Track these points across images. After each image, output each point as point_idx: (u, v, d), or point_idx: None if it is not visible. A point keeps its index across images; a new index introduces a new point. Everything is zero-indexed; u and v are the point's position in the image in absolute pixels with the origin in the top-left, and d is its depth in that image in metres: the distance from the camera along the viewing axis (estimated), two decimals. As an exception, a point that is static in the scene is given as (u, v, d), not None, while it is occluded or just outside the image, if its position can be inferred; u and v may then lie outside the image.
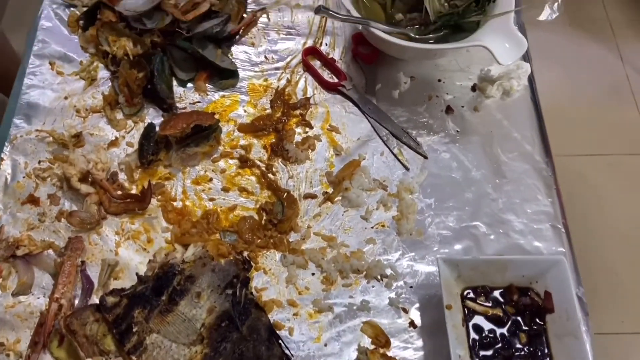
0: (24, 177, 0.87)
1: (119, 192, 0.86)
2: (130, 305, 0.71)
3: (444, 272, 0.73)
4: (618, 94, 2.37)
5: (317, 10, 0.87)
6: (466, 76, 0.98)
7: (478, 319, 0.73)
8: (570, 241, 0.83)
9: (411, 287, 0.80)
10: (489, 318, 0.73)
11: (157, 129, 0.90)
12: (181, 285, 0.73)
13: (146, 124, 0.92)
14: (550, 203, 0.86)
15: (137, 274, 0.77)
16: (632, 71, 2.42)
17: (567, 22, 2.44)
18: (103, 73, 0.98)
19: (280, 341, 0.74)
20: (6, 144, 0.90)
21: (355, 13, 0.87)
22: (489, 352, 0.71)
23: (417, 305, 0.79)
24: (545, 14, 1.35)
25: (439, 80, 0.98)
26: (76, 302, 0.78)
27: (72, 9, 1.04)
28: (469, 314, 0.73)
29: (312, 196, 0.87)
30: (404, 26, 0.92)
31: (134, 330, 0.69)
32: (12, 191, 0.86)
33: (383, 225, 0.85)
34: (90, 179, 0.86)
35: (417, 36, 0.91)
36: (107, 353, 0.69)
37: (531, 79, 0.96)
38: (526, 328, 0.72)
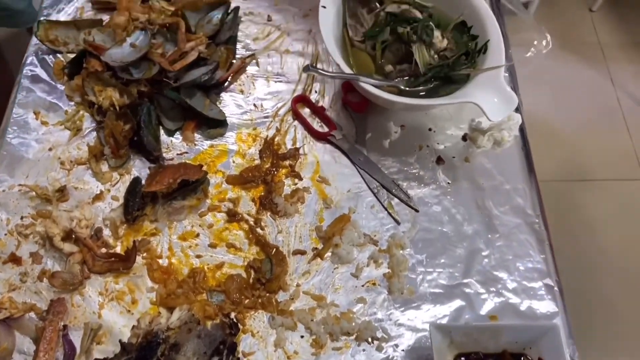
0: (5, 235, 0.85)
1: (104, 250, 0.84)
2: (112, 378, 0.69)
3: (435, 339, 0.71)
4: (610, 118, 2.38)
5: (306, 69, 0.86)
6: (457, 125, 0.97)
7: (471, 388, 0.71)
8: (564, 300, 0.82)
9: (403, 350, 0.78)
10: (481, 386, 0.71)
11: (143, 182, 0.88)
12: (165, 356, 0.71)
13: (132, 177, 0.90)
14: (542, 260, 0.85)
15: (120, 341, 0.75)
16: (623, 95, 2.44)
17: (558, 46, 2.46)
18: (89, 123, 0.96)
19: (267, 412, 0.72)
20: (-13, 199, 0.88)
21: (344, 67, 0.86)
22: None
23: (409, 369, 0.77)
24: (535, 51, 1.34)
25: (430, 129, 0.97)
26: (57, 369, 0.75)
27: (57, 55, 1.02)
28: (461, 382, 0.71)
29: (302, 252, 0.86)
30: (393, 77, 0.92)
31: (116, 405, 0.67)
32: (-7, 249, 0.84)
33: (374, 283, 0.83)
34: (73, 236, 0.84)
35: (407, 88, 0.90)
36: None
37: (522, 130, 0.96)
38: (520, 397, 0.70)
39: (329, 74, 0.86)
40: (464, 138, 0.96)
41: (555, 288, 0.83)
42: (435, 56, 0.90)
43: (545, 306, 0.81)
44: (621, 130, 2.36)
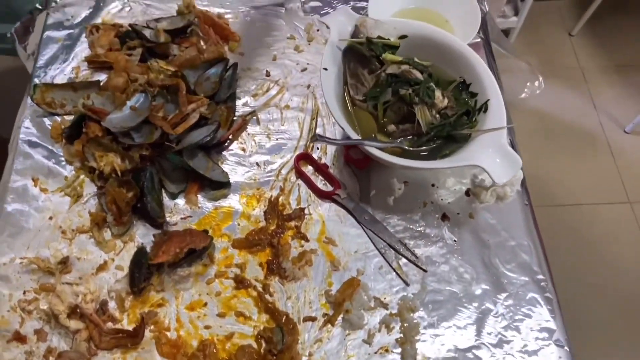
0: (8, 311, 0.83)
1: (110, 325, 0.82)
2: None
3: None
4: (593, 142, 2.43)
5: (314, 139, 0.86)
6: (459, 180, 0.98)
7: None
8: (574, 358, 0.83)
9: (418, 420, 0.77)
10: None
11: (148, 251, 0.87)
12: None
13: (136, 246, 0.89)
14: (552, 318, 0.85)
15: None
16: (605, 119, 2.48)
17: (540, 71, 2.51)
18: (89, 188, 0.95)
19: None
20: (-12, 273, 0.86)
21: (350, 131, 0.86)
22: None
23: None
24: (528, 92, 1.36)
25: (433, 185, 0.98)
26: None
27: (55, 117, 1.01)
28: None
29: (312, 319, 0.85)
30: (396, 137, 0.92)
31: None
32: (-4, 328, 0.82)
33: (387, 350, 0.83)
34: (79, 311, 0.82)
35: (410, 148, 0.91)
36: None
37: (524, 184, 0.97)
38: None
39: (337, 142, 0.87)
40: (467, 193, 0.97)
41: (566, 347, 0.83)
42: (437, 115, 0.91)
43: (558, 367, 0.82)
44: (605, 154, 2.40)
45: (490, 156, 0.83)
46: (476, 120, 0.91)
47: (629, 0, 2.79)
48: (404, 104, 0.92)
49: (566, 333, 0.84)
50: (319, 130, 1.03)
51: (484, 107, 0.91)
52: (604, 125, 2.48)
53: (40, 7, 1.18)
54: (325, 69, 0.92)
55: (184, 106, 0.96)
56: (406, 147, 0.91)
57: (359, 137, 0.87)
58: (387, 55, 0.92)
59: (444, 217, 0.94)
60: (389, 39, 0.94)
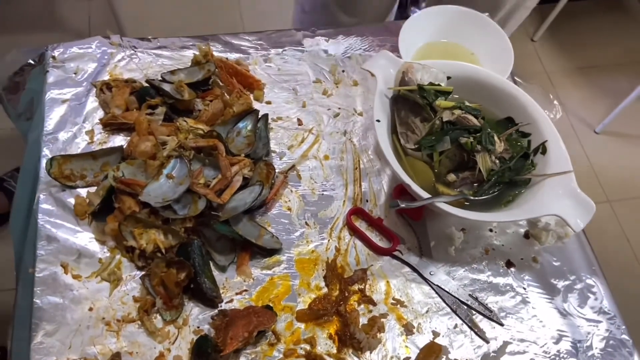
0: None
1: None
2: None
3: None
4: (567, 144, 2.50)
5: (393, 205, 0.81)
6: (515, 223, 0.96)
7: None
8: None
9: None
10: None
11: (209, 337, 0.79)
12: None
13: (193, 329, 0.81)
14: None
15: None
16: (575, 120, 2.57)
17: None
18: (128, 270, 0.85)
19: None
20: (28, 383, 0.75)
21: (418, 189, 0.82)
22: None
23: None
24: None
25: (490, 230, 0.95)
26: None
27: (76, 192, 0.91)
28: None
29: (397, 391, 0.80)
30: (456, 187, 0.88)
31: None
32: None
33: (479, 417, 0.79)
34: (142, 417, 0.73)
35: (474, 197, 0.88)
36: None
37: (581, 221, 0.95)
38: None
39: (416, 204, 0.82)
40: (526, 236, 0.94)
41: (654, 391, 0.82)
42: (496, 161, 0.88)
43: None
44: (580, 156, 2.48)
45: (563, 202, 0.81)
46: (534, 163, 0.89)
47: (584, 8, 2.90)
48: (461, 151, 0.88)
49: (650, 375, 0.83)
50: (364, 185, 0.97)
51: (542, 149, 0.89)
52: (575, 128, 2.55)
53: (33, 62, 1.07)
54: (379, 121, 0.87)
55: (227, 170, 0.88)
56: (470, 197, 0.87)
57: (428, 195, 0.82)
58: (442, 102, 0.89)
59: (509, 263, 0.92)
60: (439, 84, 0.91)
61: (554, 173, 0.85)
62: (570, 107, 2.59)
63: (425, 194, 0.82)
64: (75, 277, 0.84)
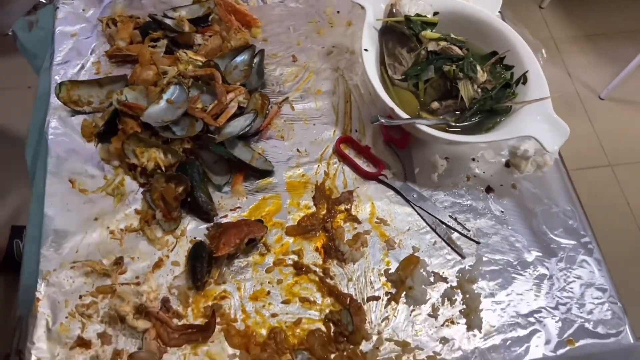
0: (66, 318, 0.80)
1: (175, 321, 0.81)
2: None
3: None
4: (570, 109, 2.52)
5: (374, 120, 0.86)
6: (497, 152, 1.00)
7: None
8: (627, 314, 0.87)
9: (495, 386, 0.80)
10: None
11: (206, 246, 0.86)
12: None
13: (190, 239, 0.88)
14: (604, 280, 0.89)
15: (220, 418, 0.73)
16: (580, 85, 2.58)
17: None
18: (131, 186, 0.92)
19: None
20: (39, 281, 0.82)
21: (399, 112, 0.87)
22: None
23: (504, 404, 0.79)
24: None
25: (473, 159, 1.00)
26: None
27: (84, 117, 0.97)
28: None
29: (376, 298, 0.86)
30: (440, 114, 0.93)
31: None
32: (57, 336, 0.79)
33: (452, 322, 0.85)
34: (142, 312, 0.80)
35: (455, 123, 0.92)
36: None
37: (559, 153, 1.00)
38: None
39: (396, 122, 0.87)
40: (507, 165, 0.99)
41: (619, 304, 0.87)
42: (478, 90, 0.93)
43: (614, 323, 0.85)
44: (583, 120, 2.49)
45: (539, 125, 0.86)
46: (515, 93, 0.93)
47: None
48: (445, 80, 0.93)
49: (617, 292, 0.88)
50: (354, 117, 1.03)
51: (523, 79, 0.93)
52: (580, 93, 2.57)
53: (45, 1, 1.13)
54: (366, 50, 0.92)
55: (222, 96, 0.94)
56: (452, 123, 0.92)
57: (409, 117, 0.87)
58: (427, 33, 0.93)
59: (489, 189, 0.97)
60: (426, 17, 0.95)
61: (532, 100, 0.89)
62: (576, 73, 2.60)
63: (405, 116, 0.87)
64: (82, 191, 0.91)
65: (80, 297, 0.82)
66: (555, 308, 0.86)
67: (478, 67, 0.92)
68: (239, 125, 0.95)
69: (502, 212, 0.95)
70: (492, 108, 0.93)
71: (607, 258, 0.91)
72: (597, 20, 2.78)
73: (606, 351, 0.78)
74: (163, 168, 0.90)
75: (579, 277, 0.89)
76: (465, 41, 0.96)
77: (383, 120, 0.85)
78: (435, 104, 0.93)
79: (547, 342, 0.83)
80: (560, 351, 0.82)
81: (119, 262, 0.84)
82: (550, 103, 0.88)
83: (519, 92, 0.93)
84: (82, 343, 0.79)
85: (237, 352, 0.80)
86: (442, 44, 0.93)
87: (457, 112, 0.94)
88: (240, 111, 0.98)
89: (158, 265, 0.86)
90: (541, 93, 0.90)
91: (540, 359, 0.79)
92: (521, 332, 0.84)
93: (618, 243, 2.10)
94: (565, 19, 2.82)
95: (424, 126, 0.86)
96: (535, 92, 0.91)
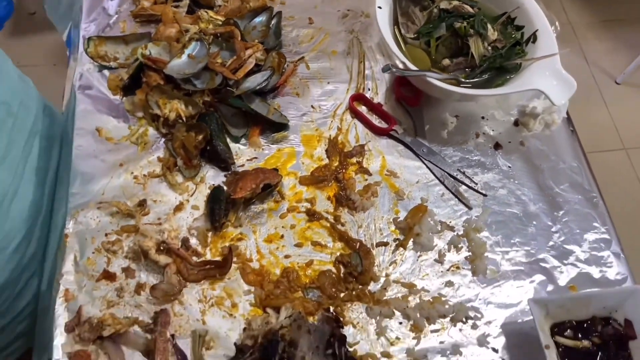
0: (93, 253, 0.86)
1: (195, 259, 0.86)
2: (241, 380, 0.71)
3: (535, 312, 0.77)
4: (587, 94, 2.52)
5: (385, 68, 0.90)
6: (506, 112, 1.03)
7: (570, 352, 0.77)
8: (630, 265, 0.89)
9: (496, 325, 0.83)
10: (580, 351, 0.77)
11: (225, 190, 0.90)
12: (287, 352, 0.74)
13: (209, 186, 0.92)
14: (606, 230, 0.92)
15: (235, 344, 0.77)
16: (597, 71, 2.58)
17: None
18: (154, 136, 0.97)
19: (387, 395, 0.76)
20: (67, 219, 0.88)
21: (410, 65, 0.90)
22: (587, 384, 0.75)
23: (505, 342, 0.82)
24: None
25: (482, 118, 1.03)
26: (173, 378, 0.77)
27: (109, 71, 1.02)
28: (561, 349, 0.77)
29: (384, 244, 0.90)
30: (451, 71, 0.96)
31: (251, 404, 0.69)
32: (84, 269, 0.84)
33: (457, 267, 0.88)
34: (163, 248, 0.85)
35: (465, 80, 0.95)
36: None
37: (567, 112, 1.02)
38: (614, 355, 0.77)
39: (407, 72, 0.90)
40: (516, 123, 1.02)
41: (622, 255, 0.90)
42: (489, 48, 0.95)
43: (615, 271, 0.88)
44: (599, 104, 2.50)
45: (547, 80, 0.88)
46: (525, 51, 0.96)
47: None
48: (456, 38, 0.96)
49: (620, 243, 0.91)
50: (368, 77, 1.06)
51: (533, 38, 0.95)
52: (597, 78, 2.57)
53: (73, -34, 1.18)
54: (380, 7, 0.95)
55: (241, 51, 0.98)
56: (462, 79, 0.95)
57: (420, 69, 0.91)
58: (440, -9, 0.96)
59: (497, 145, 1.00)
60: (439, -25, 0.98)
61: (541, 57, 0.91)
62: (592, 58, 2.60)
63: (416, 69, 0.90)
64: (108, 139, 0.96)
65: (106, 234, 0.87)
66: (559, 257, 0.89)
67: (489, 26, 0.95)
68: (256, 80, 0.99)
69: (509, 167, 0.98)
70: (502, 66, 0.95)
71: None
72: (615, 6, 2.77)
73: (605, 294, 0.80)
74: (184, 118, 0.94)
75: (583, 229, 0.92)
76: (477, 1, 0.98)
77: (394, 70, 0.89)
78: (446, 61, 0.96)
79: (550, 288, 0.86)
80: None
81: (142, 204, 0.89)
82: (558, 59, 0.90)
83: (529, 51, 0.96)
84: (108, 276, 0.84)
85: (252, 288, 0.85)
86: (454, 2, 0.96)
87: (467, 70, 0.96)
88: (258, 68, 1.02)
89: (179, 208, 0.91)
90: (550, 51, 0.92)
91: (540, 297, 0.82)
92: (524, 279, 0.87)
93: (630, 221, 2.11)
94: (583, 5, 2.81)
95: (435, 80, 0.89)
96: (545, 50, 0.93)
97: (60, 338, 0.79)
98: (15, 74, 0.95)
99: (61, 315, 0.80)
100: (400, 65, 0.91)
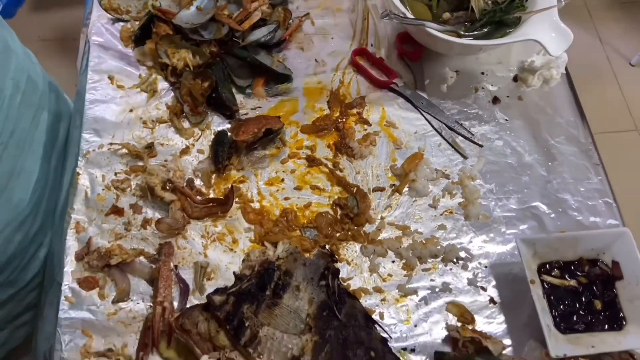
0: (103, 190, 0.90)
1: (199, 197, 0.90)
2: (238, 302, 0.75)
3: (523, 250, 0.79)
4: (600, 75, 2.50)
5: (384, 15, 0.92)
6: (506, 68, 1.05)
7: (556, 291, 0.79)
8: (621, 214, 0.91)
9: (486, 267, 0.86)
10: (565, 289, 0.80)
11: (229, 135, 0.94)
12: (282, 280, 0.78)
13: (214, 131, 0.96)
14: (599, 181, 0.94)
15: (234, 273, 0.81)
16: (611, 52, 2.55)
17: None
18: (163, 84, 1.01)
19: (377, 325, 0.79)
20: (80, 158, 0.92)
21: (411, 16, 0.93)
22: (571, 320, 0.77)
23: (494, 283, 0.85)
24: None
25: (482, 73, 1.05)
26: (175, 304, 0.81)
27: (122, 23, 1.06)
28: (547, 287, 0.80)
29: (381, 189, 0.93)
30: (451, 24, 0.98)
31: (246, 324, 0.74)
32: (94, 204, 0.89)
33: (451, 212, 0.91)
34: (169, 187, 0.89)
35: (465, 33, 0.97)
36: (222, 348, 0.73)
37: (566, 68, 1.04)
38: (600, 294, 0.79)
39: (407, 20, 0.92)
40: (515, 79, 1.04)
41: (614, 204, 0.92)
42: (489, 1, 0.97)
43: (607, 220, 0.90)
44: (612, 85, 2.48)
45: (545, 31, 0.90)
46: (525, 6, 0.98)
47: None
48: (457, -8, 0.97)
49: (612, 192, 0.93)
50: (371, 33, 1.09)
51: (532, -8, 0.97)
52: (611, 60, 2.55)
53: None
54: (382, -38, 0.97)
55: (248, 3, 1.01)
56: (461, 32, 0.97)
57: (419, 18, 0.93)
58: (441, -54, 0.98)
59: (495, 100, 1.02)
60: None
61: (539, 10, 0.93)
62: (607, 39, 2.58)
63: (414, 18, 0.92)
64: (119, 87, 1.00)
65: (116, 174, 0.92)
66: (551, 205, 0.91)
67: (490, -20, 0.96)
68: (262, 33, 1.02)
69: (506, 120, 1.00)
70: (502, 20, 0.97)
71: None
72: (632, -12, 2.74)
73: (593, 235, 0.83)
74: (191, 67, 0.98)
75: (576, 179, 0.94)
76: (478, -44, 1.00)
77: (392, 16, 0.91)
78: (446, 15, 0.98)
79: (541, 232, 0.89)
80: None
81: (150, 146, 0.94)
82: (556, 11, 0.92)
83: (528, 6, 0.97)
84: (116, 211, 0.89)
85: (252, 226, 0.89)
86: (456, -43, 0.98)
87: (467, 23, 0.98)
88: (264, 23, 1.05)
89: (184, 151, 0.95)
90: (549, 4, 0.94)
91: (528, 237, 0.84)
92: (516, 224, 0.90)
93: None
94: (599, -15, 2.79)
95: (434, 31, 0.92)
96: (544, 3, 0.94)
97: (70, 265, 0.84)
98: (21, 50, 0.98)
99: (72, 246, 0.85)
100: (391, 28, 0.93)
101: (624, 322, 0.77)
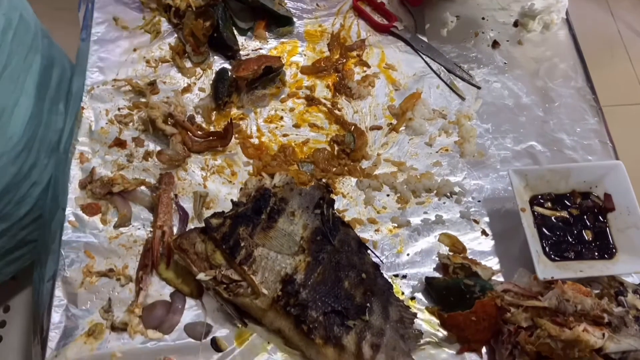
0: (106, 123, 0.93)
1: (199, 132, 0.92)
2: (234, 225, 0.77)
3: (514, 181, 0.80)
4: (612, 49, 2.48)
5: None
6: (507, 14, 1.05)
7: (547, 221, 0.81)
8: (617, 153, 0.92)
9: (479, 201, 0.87)
10: (556, 220, 0.81)
11: (229, 72, 0.96)
12: (277, 205, 0.80)
13: (215, 70, 0.98)
14: (596, 122, 0.94)
15: (232, 200, 0.83)
16: (622, 26, 2.52)
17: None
18: (166, 26, 1.03)
19: (369, 251, 0.81)
20: (84, 94, 0.95)
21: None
22: (561, 249, 0.79)
23: (486, 216, 0.86)
24: None
25: (483, 18, 1.05)
26: (174, 230, 0.84)
27: (126, -32, 1.08)
28: (538, 217, 0.81)
29: (378, 127, 0.94)
30: (452, -34, 0.99)
31: (242, 244, 0.76)
32: (98, 136, 0.91)
33: (447, 150, 0.92)
34: (171, 122, 0.91)
35: (465, -25, 0.98)
36: (217, 266, 0.76)
37: (567, 13, 1.04)
38: (590, 225, 0.80)
39: None
40: (515, 24, 1.04)
41: (609, 144, 0.92)
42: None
43: (602, 159, 0.91)
44: (623, 58, 2.45)
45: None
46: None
47: None
48: None
49: (609, 133, 0.93)
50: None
51: None
52: (622, 33, 2.51)
53: None
54: None
55: (250, -54, 1.02)
56: (461, -26, 0.98)
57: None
58: None
59: (495, 43, 1.02)
60: None
61: (540, -50, 0.93)
62: (619, 14, 2.54)
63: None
64: (123, 28, 1.02)
65: (119, 109, 0.94)
66: (546, 144, 0.92)
67: None
68: (264, -25, 1.03)
69: (505, 63, 1.00)
70: (502, -38, 0.97)
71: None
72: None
73: (586, 167, 0.83)
74: (194, 8, 1.00)
75: (573, 120, 0.94)
76: None
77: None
78: (447, -43, 0.99)
79: (535, 170, 0.90)
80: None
81: (152, 83, 0.96)
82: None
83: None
84: (119, 143, 0.91)
85: (251, 161, 0.91)
86: None
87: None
88: (266, -33, 1.06)
89: (186, 89, 0.97)
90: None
91: (520, 168, 0.85)
92: (511, 161, 0.91)
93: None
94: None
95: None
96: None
97: (74, 193, 0.86)
98: None
99: (76, 175, 0.88)
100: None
101: (614, 251, 0.78)
